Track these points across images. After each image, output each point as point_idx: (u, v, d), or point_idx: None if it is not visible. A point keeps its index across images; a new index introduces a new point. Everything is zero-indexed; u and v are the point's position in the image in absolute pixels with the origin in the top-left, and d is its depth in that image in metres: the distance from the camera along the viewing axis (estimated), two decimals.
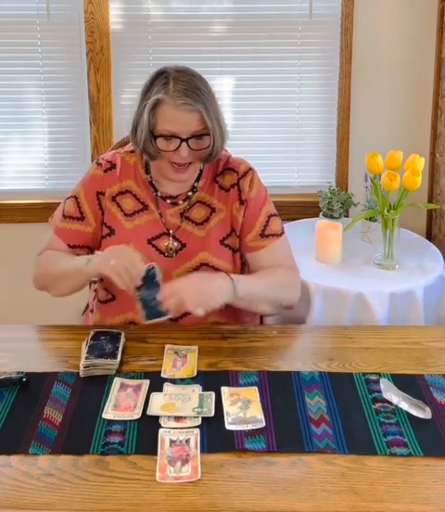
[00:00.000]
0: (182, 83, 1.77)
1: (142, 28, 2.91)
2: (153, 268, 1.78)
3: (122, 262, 1.74)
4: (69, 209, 1.95)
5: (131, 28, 2.92)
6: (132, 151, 1.95)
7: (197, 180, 1.93)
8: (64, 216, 1.96)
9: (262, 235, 1.94)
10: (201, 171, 1.94)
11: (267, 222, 1.95)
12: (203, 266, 1.90)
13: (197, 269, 1.90)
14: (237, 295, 1.80)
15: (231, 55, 2.95)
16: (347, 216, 2.83)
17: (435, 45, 2.86)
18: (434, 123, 2.91)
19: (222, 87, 2.96)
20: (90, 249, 1.96)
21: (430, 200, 2.96)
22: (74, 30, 2.90)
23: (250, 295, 1.85)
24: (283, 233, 1.98)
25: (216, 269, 1.90)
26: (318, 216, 2.75)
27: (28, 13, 2.88)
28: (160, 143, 1.80)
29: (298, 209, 2.98)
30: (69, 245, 1.95)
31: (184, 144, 1.78)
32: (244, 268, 2.01)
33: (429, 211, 2.99)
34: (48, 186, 3.04)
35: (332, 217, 2.70)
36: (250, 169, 1.96)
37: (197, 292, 1.75)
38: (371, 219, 2.60)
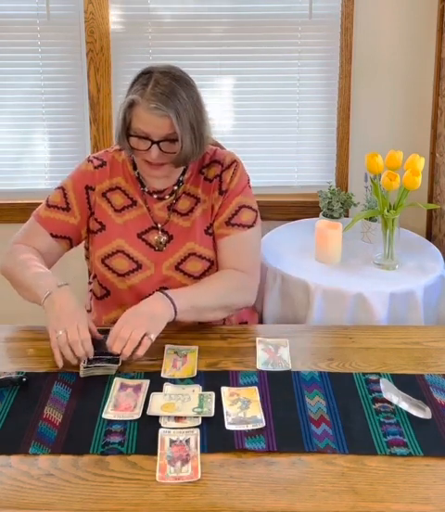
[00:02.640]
0: (159, 87, 1.78)
1: (142, 28, 2.91)
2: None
3: (70, 337, 1.66)
4: (54, 199, 1.97)
5: (131, 28, 2.92)
6: (120, 149, 1.97)
7: (183, 174, 1.95)
8: (48, 205, 1.97)
9: (228, 222, 1.94)
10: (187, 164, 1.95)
11: (236, 211, 1.94)
12: (191, 256, 1.92)
13: (185, 259, 1.92)
14: (179, 310, 1.77)
15: (231, 55, 2.94)
16: (347, 216, 2.83)
17: (435, 45, 2.86)
18: (434, 123, 2.91)
19: (222, 87, 2.96)
20: (70, 241, 1.97)
21: (430, 200, 2.96)
22: (74, 30, 2.90)
23: (194, 307, 1.82)
24: (253, 226, 1.95)
25: (203, 258, 1.92)
26: (318, 216, 2.75)
27: (28, 13, 2.88)
28: (133, 141, 1.82)
29: (298, 209, 2.98)
30: (51, 234, 1.94)
31: (154, 146, 1.80)
32: None
33: (429, 211, 2.99)
34: (48, 186, 3.03)
35: (332, 217, 2.70)
36: (235, 161, 1.97)
37: (138, 322, 1.69)
38: (371, 219, 2.60)
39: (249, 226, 1.94)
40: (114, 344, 1.67)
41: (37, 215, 1.98)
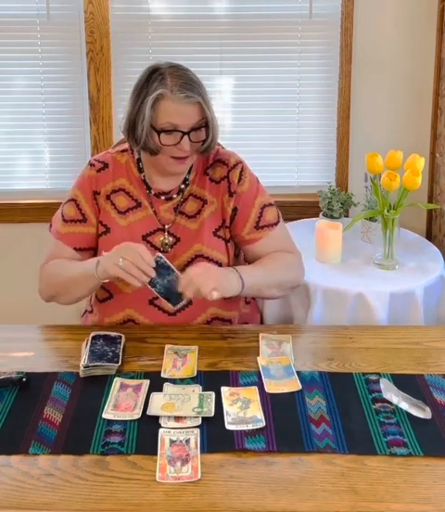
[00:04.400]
0: (178, 78, 1.79)
1: (142, 28, 2.91)
2: (161, 258, 1.78)
3: (131, 258, 1.72)
4: (69, 212, 1.95)
5: (131, 28, 2.92)
6: (123, 151, 1.97)
7: (189, 173, 1.95)
8: (65, 221, 1.94)
9: (257, 227, 1.95)
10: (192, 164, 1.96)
11: (261, 213, 1.96)
12: (198, 258, 1.91)
13: (192, 261, 1.91)
14: (246, 286, 1.82)
15: (231, 55, 2.95)
16: (347, 216, 2.83)
17: (435, 45, 2.86)
18: (434, 123, 2.91)
19: (222, 87, 2.96)
20: (95, 251, 1.96)
21: (430, 200, 2.96)
22: (74, 30, 2.90)
23: (256, 285, 1.87)
24: (279, 221, 1.99)
25: (210, 260, 1.92)
26: (318, 216, 2.75)
27: (28, 13, 2.88)
28: (163, 138, 1.81)
29: (298, 209, 2.98)
30: (75, 248, 1.93)
31: (185, 137, 1.80)
32: (237, 258, 2.03)
33: (429, 211, 2.99)
34: (48, 186, 3.04)
35: (332, 217, 2.70)
36: (240, 161, 1.98)
37: (212, 276, 1.75)
38: (371, 219, 2.60)
39: (276, 224, 1.98)
40: (187, 289, 1.72)
41: (57, 233, 1.95)
